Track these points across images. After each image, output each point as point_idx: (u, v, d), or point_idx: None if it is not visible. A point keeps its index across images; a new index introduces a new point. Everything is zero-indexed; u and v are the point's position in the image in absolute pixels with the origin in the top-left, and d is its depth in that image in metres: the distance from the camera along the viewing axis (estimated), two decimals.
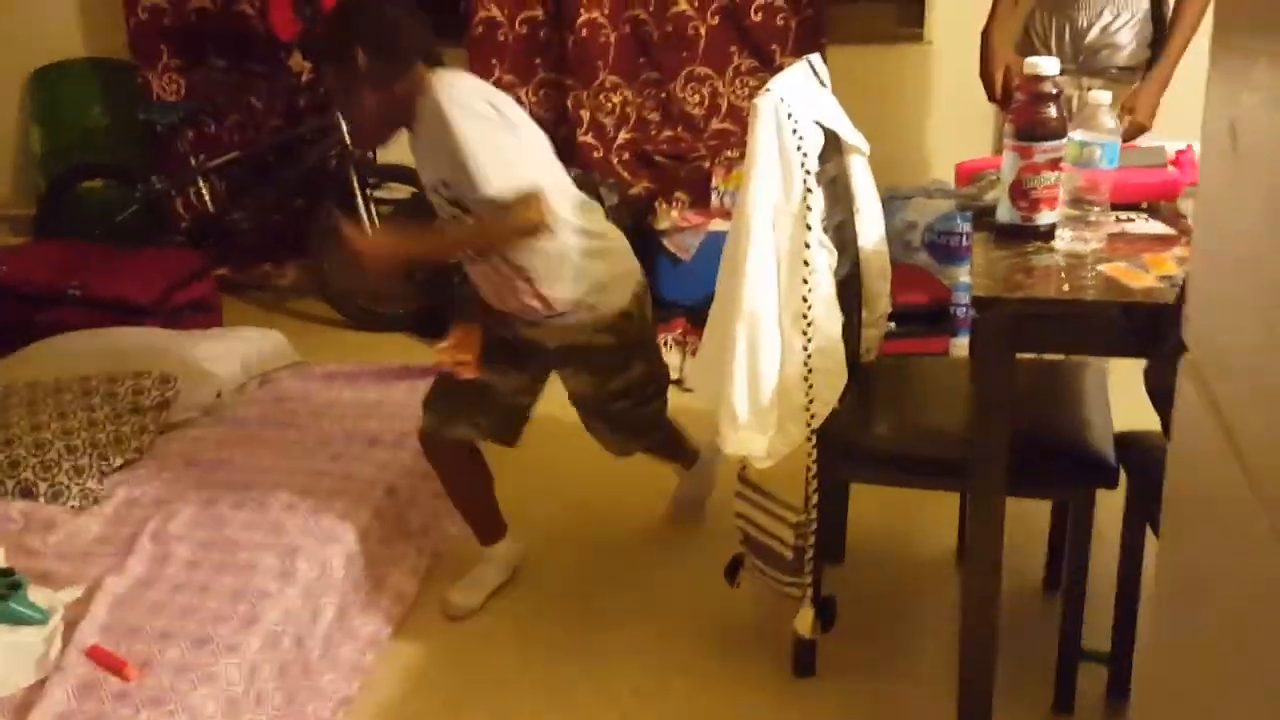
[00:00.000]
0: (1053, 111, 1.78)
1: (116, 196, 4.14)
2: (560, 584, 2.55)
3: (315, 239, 4.02)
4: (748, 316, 1.99)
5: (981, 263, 1.80)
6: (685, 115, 3.81)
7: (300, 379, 3.13)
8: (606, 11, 3.71)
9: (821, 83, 2.28)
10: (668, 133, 3.84)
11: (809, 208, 1.98)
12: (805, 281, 2.00)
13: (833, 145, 2.16)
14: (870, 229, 2.36)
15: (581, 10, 3.69)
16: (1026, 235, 1.85)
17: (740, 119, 3.78)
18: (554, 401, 2.43)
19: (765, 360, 2.02)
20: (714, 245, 3.75)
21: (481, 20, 3.78)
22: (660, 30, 3.73)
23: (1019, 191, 1.82)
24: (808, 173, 1.98)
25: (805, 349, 2.02)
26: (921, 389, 2.33)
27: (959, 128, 3.79)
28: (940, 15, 3.75)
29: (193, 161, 4.07)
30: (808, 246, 1.99)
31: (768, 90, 1.97)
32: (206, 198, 4.01)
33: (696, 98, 3.80)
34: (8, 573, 2.05)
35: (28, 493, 2.41)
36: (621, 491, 2.92)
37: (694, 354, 3.63)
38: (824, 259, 2.02)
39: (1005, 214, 1.88)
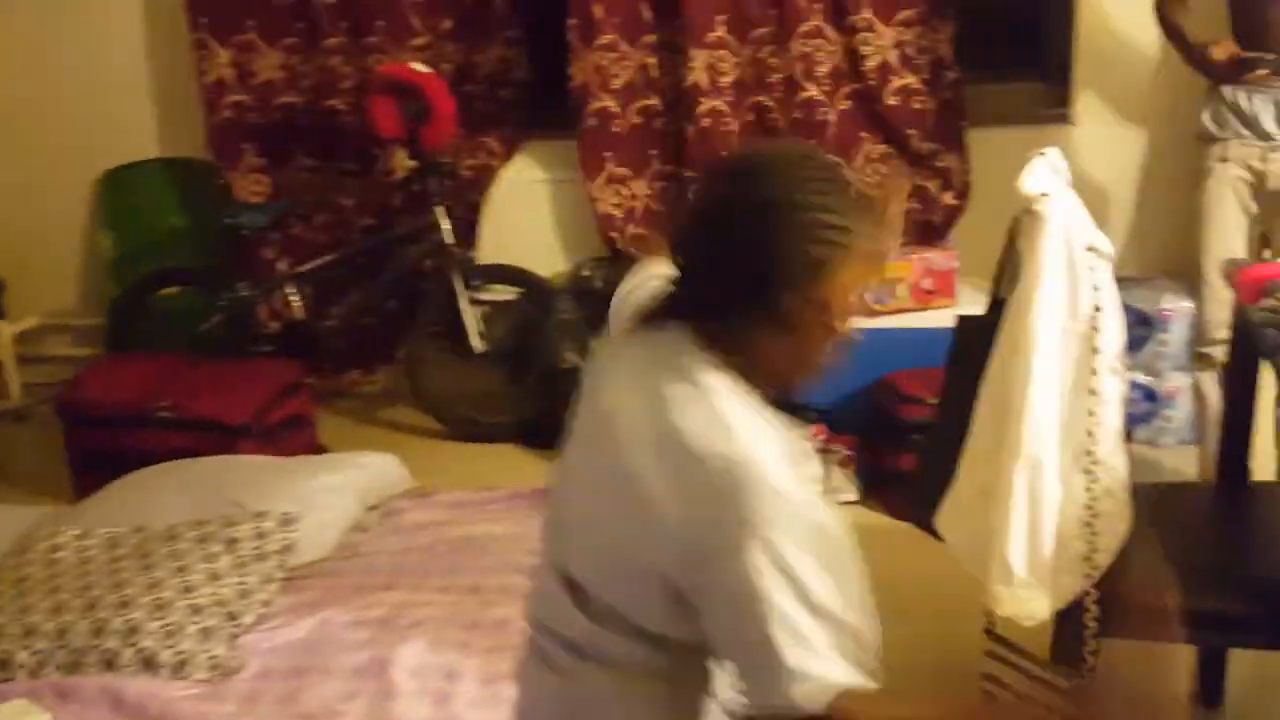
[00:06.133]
0: None
1: (197, 304, 3.87)
2: None
3: (414, 342, 3.76)
4: (1029, 459, 1.70)
5: None
6: None
7: (425, 509, 2.82)
8: (729, 99, 3.46)
9: (1065, 180, 2.01)
10: None
11: (1095, 328, 1.71)
12: (1092, 413, 1.71)
13: None
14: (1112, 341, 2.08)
15: (702, 99, 3.44)
16: None
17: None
18: None
19: (1047, 508, 1.73)
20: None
21: (594, 112, 3.54)
22: (787, 117, 3.48)
23: None
24: (1096, 288, 1.71)
25: (1089, 490, 1.74)
26: (1192, 523, 2.02)
27: (1107, 214, 3.51)
28: (1087, 94, 3.49)
29: (281, 266, 3.81)
30: (1095, 373, 1.71)
31: (1046, 195, 1.71)
32: (297, 304, 3.74)
33: None
34: None
35: (149, 663, 2.10)
36: None
37: (840, 464, 3.34)
38: (1114, 387, 1.74)
39: None
